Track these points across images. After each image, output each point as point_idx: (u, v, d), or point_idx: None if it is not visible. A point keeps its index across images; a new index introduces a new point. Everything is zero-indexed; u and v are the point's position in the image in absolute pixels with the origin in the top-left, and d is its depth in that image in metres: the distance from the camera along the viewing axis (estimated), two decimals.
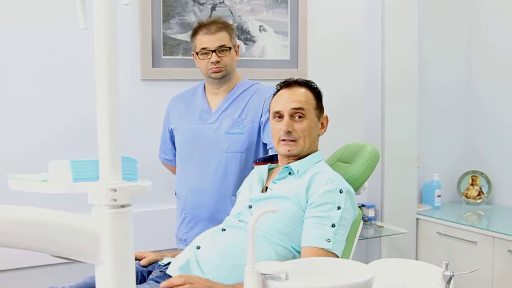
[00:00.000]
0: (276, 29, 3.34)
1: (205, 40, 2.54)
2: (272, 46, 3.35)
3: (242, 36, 3.24)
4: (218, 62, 2.53)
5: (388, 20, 3.56)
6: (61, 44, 2.81)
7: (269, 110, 2.23)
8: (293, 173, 2.07)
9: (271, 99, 2.21)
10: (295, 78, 2.20)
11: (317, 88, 2.19)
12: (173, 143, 2.77)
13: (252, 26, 3.27)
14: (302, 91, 2.13)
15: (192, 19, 3.07)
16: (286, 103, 2.10)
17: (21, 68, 2.75)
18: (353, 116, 3.66)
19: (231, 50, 2.56)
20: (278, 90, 2.19)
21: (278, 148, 2.12)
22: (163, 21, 3.03)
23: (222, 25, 2.56)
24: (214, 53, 2.52)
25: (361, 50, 3.67)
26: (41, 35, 2.78)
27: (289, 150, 2.08)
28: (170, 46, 3.05)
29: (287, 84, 2.17)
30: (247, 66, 3.22)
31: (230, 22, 2.71)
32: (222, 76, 2.57)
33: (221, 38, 2.53)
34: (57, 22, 2.80)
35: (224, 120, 2.58)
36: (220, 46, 2.53)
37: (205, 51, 2.54)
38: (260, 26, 3.30)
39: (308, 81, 2.19)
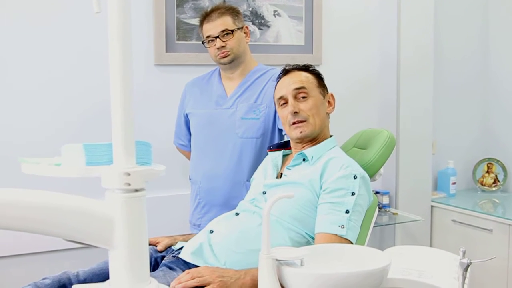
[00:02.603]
0: (290, 14, 3.31)
1: (209, 28, 2.55)
2: (287, 31, 3.32)
3: (257, 21, 3.22)
4: (223, 47, 2.53)
5: (404, 3, 3.51)
6: (75, 29, 2.80)
7: (274, 101, 2.23)
8: (308, 160, 2.05)
9: (274, 90, 2.22)
10: (292, 64, 2.22)
11: (315, 70, 2.20)
12: (188, 128, 2.77)
13: (266, 11, 3.24)
14: (300, 73, 2.15)
15: (206, 3, 3.05)
16: (287, 86, 2.11)
17: (34, 55, 2.74)
18: (367, 101, 3.63)
19: (234, 33, 2.54)
20: (278, 81, 2.21)
21: (290, 133, 2.11)
22: (177, 6, 3.01)
23: (223, 10, 2.56)
24: (218, 39, 2.53)
25: (376, 34, 3.63)
26: (54, 20, 2.77)
27: (301, 132, 2.07)
28: (184, 31, 3.03)
29: (286, 71, 2.19)
30: (262, 51, 3.20)
31: (234, 5, 2.67)
32: (231, 60, 2.57)
33: (223, 22, 2.53)
34: (70, 6, 2.79)
35: (239, 105, 2.57)
36: (223, 31, 2.52)
37: (210, 39, 2.56)
38: (275, 11, 3.27)
39: (305, 65, 2.21)
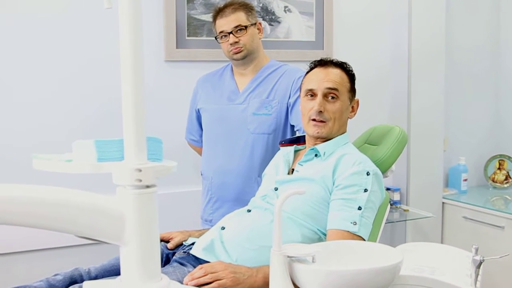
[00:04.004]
0: (301, 10, 3.30)
1: (222, 23, 2.55)
2: (297, 27, 3.31)
3: (267, 17, 3.21)
4: (236, 42, 2.53)
5: None
6: (85, 26, 2.81)
7: (300, 88, 2.19)
8: (320, 155, 2.04)
9: (304, 77, 2.18)
10: (331, 58, 2.16)
11: (351, 70, 2.15)
12: (200, 124, 2.77)
13: (277, 6, 3.23)
14: (337, 72, 2.09)
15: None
16: (321, 82, 2.06)
17: (43, 54, 2.75)
18: (378, 97, 3.62)
19: (248, 29, 2.54)
20: (311, 68, 2.16)
21: (307, 128, 2.09)
22: (187, 2, 3.00)
23: (237, 6, 2.56)
24: (231, 35, 2.52)
25: (387, 29, 3.62)
26: (64, 18, 2.77)
27: (318, 132, 2.05)
28: (194, 27, 3.03)
29: (323, 63, 2.13)
30: (272, 47, 3.19)
31: (248, 1, 2.66)
32: (244, 56, 2.56)
33: (236, 18, 2.53)
34: (81, 4, 2.79)
35: (251, 101, 2.57)
36: (236, 27, 2.52)
37: (223, 34, 2.55)
38: (285, 7, 3.26)
39: (344, 62, 2.15)
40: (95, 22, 2.81)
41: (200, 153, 2.81)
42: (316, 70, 2.13)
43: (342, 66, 2.13)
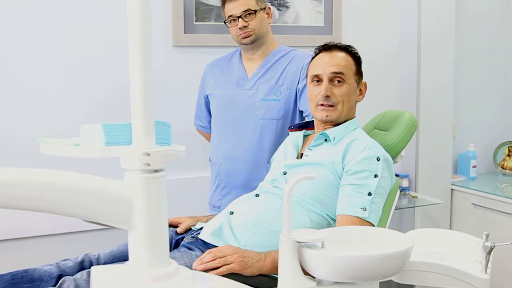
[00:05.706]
0: None
1: (231, 7, 2.53)
2: (306, 12, 3.28)
3: (275, 2, 3.18)
4: (245, 27, 2.51)
5: None
6: (96, 13, 2.79)
7: (306, 74, 2.18)
8: (329, 140, 2.03)
9: (309, 63, 2.17)
10: (335, 42, 2.15)
11: (357, 53, 2.14)
12: (208, 110, 2.76)
13: None
14: (342, 56, 2.08)
15: None
16: (326, 66, 2.05)
17: (53, 42, 2.74)
18: (387, 83, 3.60)
19: (257, 13, 2.52)
20: (316, 54, 2.15)
21: (315, 113, 2.08)
22: None
23: None
24: (240, 19, 2.51)
25: (396, 13, 3.57)
26: (73, 6, 2.75)
27: (327, 116, 2.04)
28: (202, 12, 3.01)
29: (327, 47, 2.12)
30: (281, 32, 3.17)
31: None
32: (253, 41, 2.55)
33: (246, 2, 2.51)
34: None
35: (260, 87, 2.56)
36: (245, 11, 2.50)
37: (232, 18, 2.53)
38: None
39: (348, 45, 2.14)
40: (104, 9, 2.80)
41: (208, 139, 2.80)
42: (321, 55, 2.12)
43: (347, 49, 2.12)
